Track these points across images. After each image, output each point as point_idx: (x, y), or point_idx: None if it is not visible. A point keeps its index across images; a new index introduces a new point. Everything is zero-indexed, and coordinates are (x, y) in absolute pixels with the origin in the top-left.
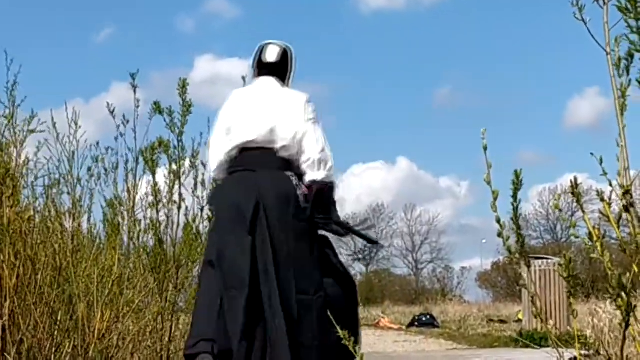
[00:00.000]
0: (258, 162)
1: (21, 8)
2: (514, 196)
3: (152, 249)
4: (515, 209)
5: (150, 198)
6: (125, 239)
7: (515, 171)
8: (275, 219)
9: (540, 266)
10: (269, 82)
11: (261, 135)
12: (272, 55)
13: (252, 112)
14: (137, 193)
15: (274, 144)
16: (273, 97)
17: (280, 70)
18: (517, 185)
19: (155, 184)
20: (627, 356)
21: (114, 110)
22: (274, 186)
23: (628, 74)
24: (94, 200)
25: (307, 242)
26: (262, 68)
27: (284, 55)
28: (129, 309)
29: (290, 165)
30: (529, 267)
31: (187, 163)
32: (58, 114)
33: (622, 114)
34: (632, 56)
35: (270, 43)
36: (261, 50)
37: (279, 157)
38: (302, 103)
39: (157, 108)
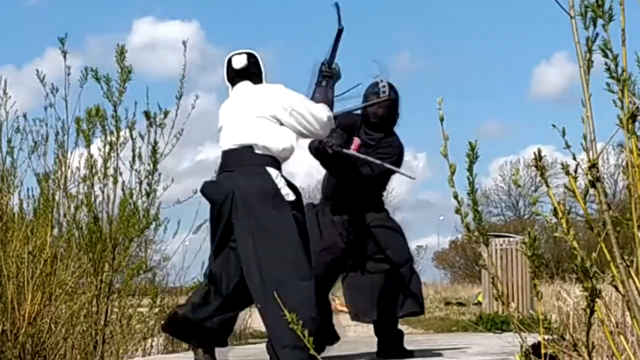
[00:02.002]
0: (235, 162)
1: None
2: (470, 169)
3: (87, 226)
4: (472, 183)
5: (84, 171)
6: (58, 215)
7: (470, 143)
8: (255, 212)
9: (501, 245)
10: (244, 85)
11: (239, 139)
12: (238, 62)
13: (232, 117)
14: (69, 166)
15: (252, 142)
16: (248, 96)
17: (251, 73)
18: (472, 158)
19: (90, 156)
20: (593, 343)
21: (44, 78)
22: (250, 182)
23: (595, 26)
24: (24, 175)
25: (289, 231)
26: (235, 76)
27: (250, 59)
28: (61, 291)
29: (270, 160)
30: (487, 245)
31: (123, 134)
32: None
33: (587, 75)
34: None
35: (234, 54)
36: (229, 62)
37: (256, 153)
38: (279, 91)
39: (95, 75)
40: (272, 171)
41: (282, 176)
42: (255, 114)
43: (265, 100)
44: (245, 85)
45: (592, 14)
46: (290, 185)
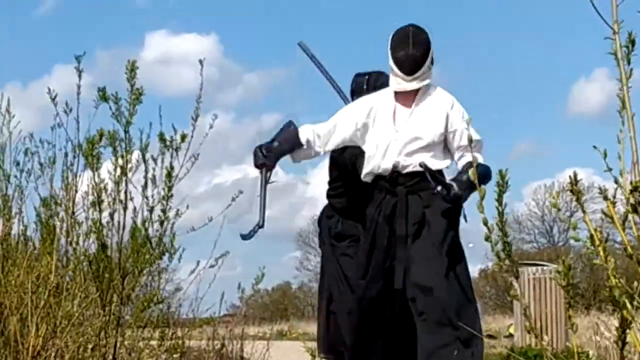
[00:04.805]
0: None
1: None
2: (499, 200)
3: (95, 255)
4: (501, 214)
5: (92, 197)
6: (64, 243)
7: (500, 171)
8: None
9: (534, 274)
10: None
11: None
12: None
13: None
14: (76, 191)
15: None
16: None
17: None
18: (503, 187)
19: (97, 181)
20: None
21: (55, 96)
22: None
23: (629, 63)
24: (28, 199)
25: None
26: None
27: None
28: (67, 323)
29: None
30: (517, 277)
31: (135, 157)
32: None
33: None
34: (633, 43)
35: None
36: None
37: None
38: None
39: (103, 95)
40: None
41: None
42: None
43: None
44: None
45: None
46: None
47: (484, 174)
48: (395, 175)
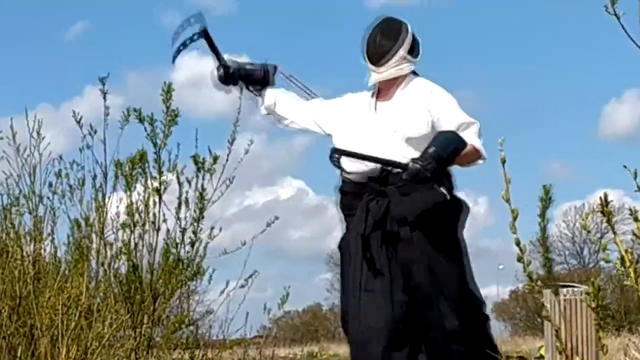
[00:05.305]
0: None
1: None
2: (542, 215)
3: (125, 276)
4: (543, 230)
5: (124, 218)
6: (94, 264)
7: (545, 186)
8: None
9: (565, 295)
10: None
11: None
12: None
13: None
14: (107, 212)
15: None
16: None
17: None
18: (546, 202)
19: (131, 202)
20: None
21: (81, 119)
22: None
23: None
24: (58, 221)
25: None
26: None
27: None
28: (98, 345)
29: None
30: (557, 294)
31: (167, 178)
32: (20, 123)
33: None
34: None
35: None
36: None
37: None
38: None
39: (139, 115)
40: None
41: None
42: None
43: None
44: None
45: None
46: None
47: (450, 141)
48: (385, 174)
